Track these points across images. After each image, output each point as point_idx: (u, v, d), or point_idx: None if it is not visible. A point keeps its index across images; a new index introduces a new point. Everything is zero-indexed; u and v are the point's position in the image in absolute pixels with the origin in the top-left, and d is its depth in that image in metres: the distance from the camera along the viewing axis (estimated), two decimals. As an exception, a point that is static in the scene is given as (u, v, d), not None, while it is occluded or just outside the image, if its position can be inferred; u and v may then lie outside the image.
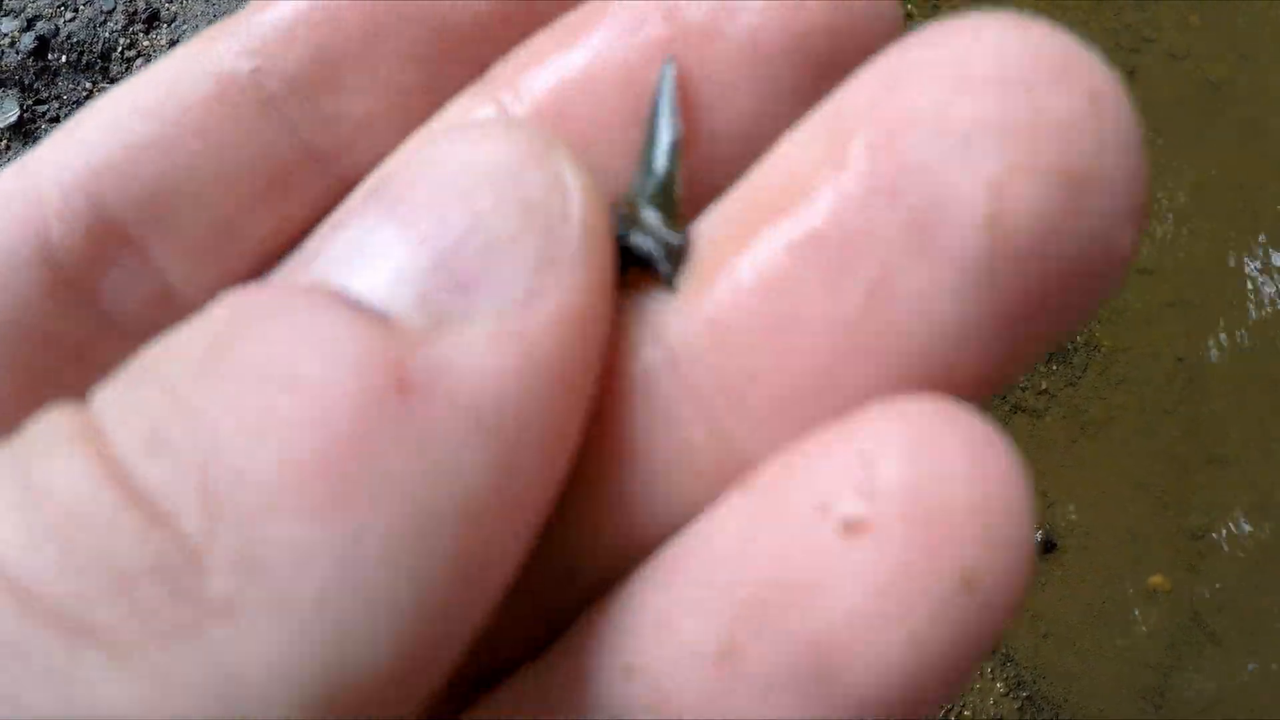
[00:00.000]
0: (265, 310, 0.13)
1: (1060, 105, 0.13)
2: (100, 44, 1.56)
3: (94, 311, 0.19)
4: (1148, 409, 1.44)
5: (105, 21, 1.57)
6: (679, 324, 0.15)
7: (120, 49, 1.55)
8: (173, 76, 0.19)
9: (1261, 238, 1.54)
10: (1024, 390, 1.42)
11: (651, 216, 0.17)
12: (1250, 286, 1.52)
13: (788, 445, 0.14)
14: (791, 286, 0.14)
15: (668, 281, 0.16)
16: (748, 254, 0.15)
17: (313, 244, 0.15)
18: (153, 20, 1.57)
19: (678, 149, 0.17)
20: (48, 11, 1.59)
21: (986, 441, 0.12)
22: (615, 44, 0.18)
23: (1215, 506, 1.41)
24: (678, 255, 0.16)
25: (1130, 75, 1.61)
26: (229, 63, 0.19)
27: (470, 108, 0.19)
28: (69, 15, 1.58)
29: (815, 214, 0.14)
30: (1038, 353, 0.14)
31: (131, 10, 1.58)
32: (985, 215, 0.13)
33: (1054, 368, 1.43)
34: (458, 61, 0.19)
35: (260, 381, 0.13)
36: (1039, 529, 1.36)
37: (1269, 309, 1.51)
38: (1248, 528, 1.41)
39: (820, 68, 0.17)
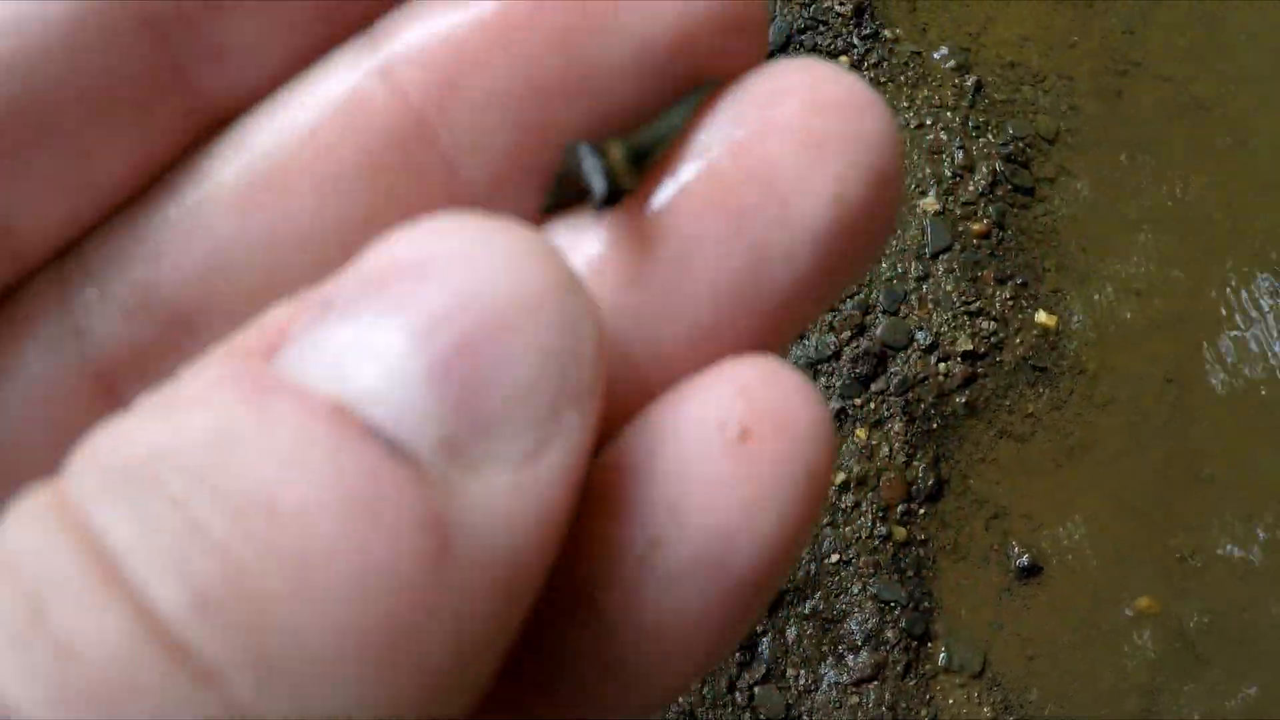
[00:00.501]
0: (284, 428, 0.13)
1: (873, 126, 0.18)
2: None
3: None
4: (1135, 430, 1.45)
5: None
6: (595, 286, 0.18)
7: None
8: None
9: (1250, 256, 1.55)
10: (1010, 415, 1.42)
11: (616, 151, 0.18)
12: (1238, 305, 1.52)
13: (679, 383, 0.18)
14: (687, 251, 0.18)
15: (595, 208, 0.18)
16: (652, 223, 0.18)
17: (282, 313, 0.15)
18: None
19: (672, 133, 0.19)
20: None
21: (806, 385, 0.17)
22: (503, 5, 0.18)
23: (1203, 527, 1.42)
24: (618, 193, 0.18)
25: (1118, 96, 1.62)
26: None
27: (355, 63, 0.18)
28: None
29: (712, 194, 0.18)
30: (840, 294, 0.20)
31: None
32: (833, 196, 0.18)
33: (1040, 391, 1.44)
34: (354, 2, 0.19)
35: (301, 530, 0.12)
36: (1023, 553, 1.37)
37: (1258, 327, 1.51)
38: (1236, 548, 1.41)
39: (697, 74, 0.19)
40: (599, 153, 0.18)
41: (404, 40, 0.18)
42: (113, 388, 0.19)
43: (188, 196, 0.19)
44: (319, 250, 0.18)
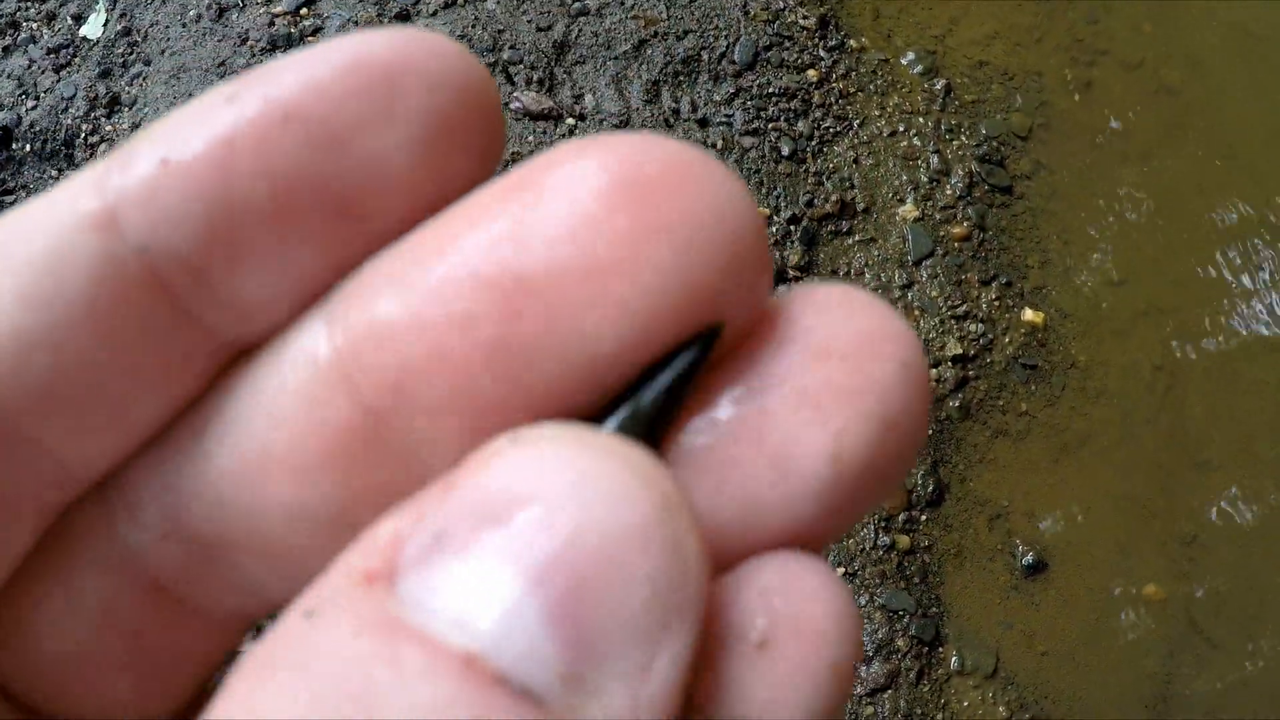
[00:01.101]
0: (417, 679, 0.14)
1: (883, 371, 0.18)
2: (63, 131, 1.56)
3: None
4: (1129, 420, 1.45)
5: (67, 108, 1.58)
6: None
7: (84, 135, 1.56)
8: (60, 258, 0.18)
9: (1227, 237, 1.56)
10: (1004, 415, 1.43)
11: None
12: (1221, 287, 1.53)
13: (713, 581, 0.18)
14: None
15: None
16: None
17: (389, 531, 0.16)
18: (114, 105, 1.58)
19: (671, 399, 0.18)
20: (9, 100, 1.59)
21: (831, 582, 0.18)
22: (438, 307, 0.18)
23: (1203, 510, 1.42)
24: None
25: (1087, 87, 1.62)
26: (120, 245, 0.18)
27: (312, 344, 0.19)
28: (30, 103, 1.59)
29: (700, 453, 0.18)
30: (860, 520, 0.21)
31: (93, 96, 1.58)
32: (831, 454, 0.17)
33: (1033, 388, 1.44)
34: (363, 238, 0.19)
35: None
36: (1027, 551, 1.37)
37: (1242, 308, 1.52)
38: (1237, 527, 1.42)
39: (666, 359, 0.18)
40: None
41: (351, 329, 0.18)
42: (168, 596, 0.20)
43: (198, 446, 0.20)
44: (312, 523, 0.19)
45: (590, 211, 0.17)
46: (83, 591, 0.20)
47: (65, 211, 0.18)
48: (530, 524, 0.15)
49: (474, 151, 0.19)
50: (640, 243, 0.17)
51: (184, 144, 0.18)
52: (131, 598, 0.20)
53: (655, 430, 0.18)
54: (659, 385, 0.18)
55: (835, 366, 0.18)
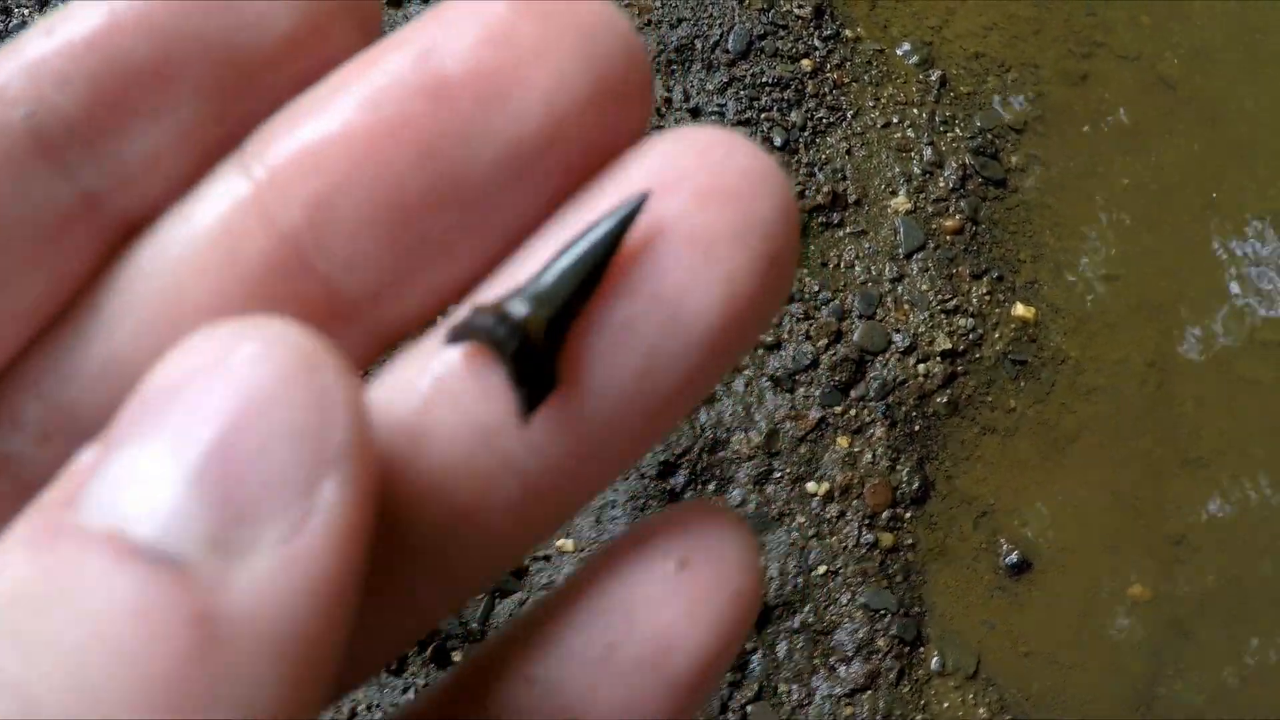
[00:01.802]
0: (65, 568, 0.14)
1: (767, 207, 0.19)
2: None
3: None
4: (1119, 417, 1.44)
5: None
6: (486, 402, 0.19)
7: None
8: None
9: (1223, 234, 1.54)
10: (993, 411, 1.41)
11: (537, 330, 0.18)
12: (1216, 283, 1.52)
13: (638, 525, 0.20)
14: (576, 364, 0.19)
15: (520, 414, 0.18)
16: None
17: (87, 459, 0.16)
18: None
19: (580, 277, 0.18)
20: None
21: (739, 525, 0.20)
22: (368, 118, 0.18)
23: (1192, 510, 1.41)
24: (544, 397, 0.18)
25: (1083, 80, 1.61)
26: (5, 112, 0.18)
27: (226, 187, 0.19)
28: None
29: (599, 307, 0.19)
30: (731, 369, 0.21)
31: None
32: (721, 298, 0.18)
33: (1022, 384, 1.43)
34: (248, 96, 0.19)
35: (82, 657, 0.14)
36: (1012, 550, 1.36)
37: (1236, 305, 1.51)
38: (1225, 528, 1.41)
39: (576, 171, 0.19)
40: (522, 352, 0.18)
41: (272, 161, 0.19)
42: None
43: (91, 326, 0.19)
44: None
45: (502, 22, 0.18)
46: None
47: None
48: (175, 404, 0.15)
49: (353, 13, 0.20)
50: (550, 40, 0.18)
51: (68, 16, 0.18)
52: (10, 517, 0.20)
53: (578, 299, 0.18)
54: (581, 254, 0.18)
55: (723, 208, 0.18)
